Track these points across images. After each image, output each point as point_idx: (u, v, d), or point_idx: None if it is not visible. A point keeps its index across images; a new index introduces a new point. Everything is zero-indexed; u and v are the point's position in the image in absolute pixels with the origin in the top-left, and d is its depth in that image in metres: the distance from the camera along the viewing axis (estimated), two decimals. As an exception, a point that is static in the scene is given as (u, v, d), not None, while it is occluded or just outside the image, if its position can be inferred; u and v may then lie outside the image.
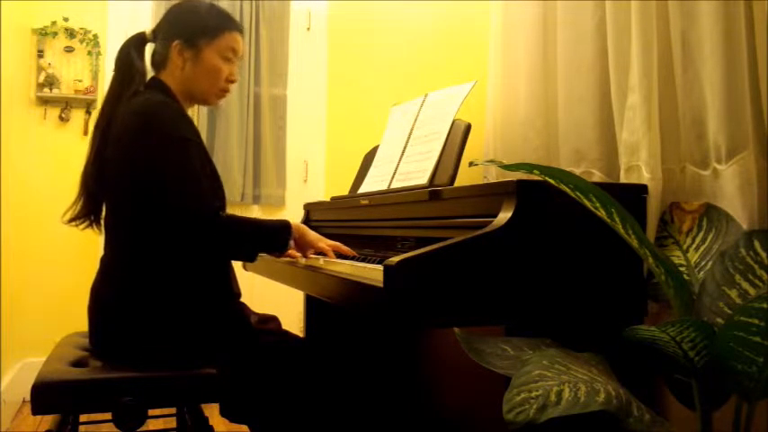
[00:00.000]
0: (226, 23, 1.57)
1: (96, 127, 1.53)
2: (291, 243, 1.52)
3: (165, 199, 1.35)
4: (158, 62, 1.57)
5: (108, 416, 1.33)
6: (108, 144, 1.48)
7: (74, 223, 1.55)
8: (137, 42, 1.58)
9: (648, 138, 1.51)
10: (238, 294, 1.59)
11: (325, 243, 1.60)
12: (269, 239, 1.49)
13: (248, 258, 1.54)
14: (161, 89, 1.52)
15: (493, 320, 1.21)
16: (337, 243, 1.63)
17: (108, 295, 1.45)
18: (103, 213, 1.55)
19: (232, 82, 1.59)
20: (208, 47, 1.53)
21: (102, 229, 1.54)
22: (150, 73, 1.58)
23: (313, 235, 1.58)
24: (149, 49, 1.60)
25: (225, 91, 1.60)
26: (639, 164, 1.53)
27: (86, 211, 1.54)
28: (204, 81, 1.55)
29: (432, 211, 1.51)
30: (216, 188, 1.53)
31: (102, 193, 1.52)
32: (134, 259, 1.44)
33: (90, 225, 1.56)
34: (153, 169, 1.38)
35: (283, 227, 1.50)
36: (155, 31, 1.58)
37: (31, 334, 2.66)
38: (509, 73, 2.29)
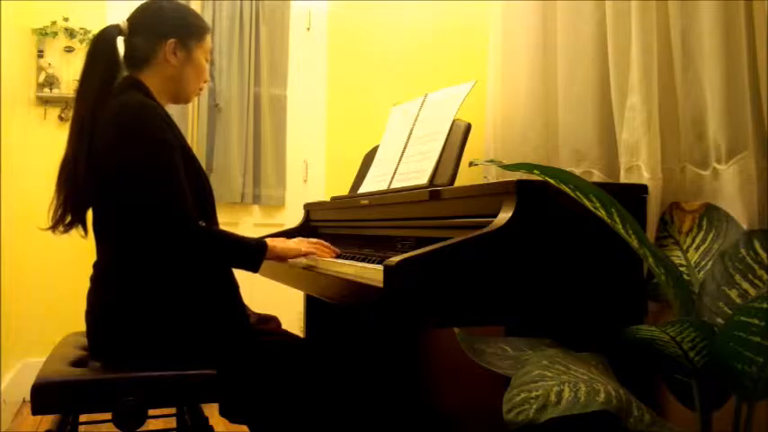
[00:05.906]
0: (206, 26, 1.61)
1: (77, 125, 1.43)
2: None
3: (147, 204, 1.35)
4: (140, 59, 1.50)
5: (108, 416, 1.33)
6: (92, 145, 1.41)
7: (57, 229, 1.45)
8: (115, 35, 1.50)
9: (648, 138, 1.51)
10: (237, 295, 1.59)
11: (305, 247, 1.62)
12: (242, 257, 1.48)
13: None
14: (141, 90, 1.48)
15: (493, 320, 1.21)
16: (319, 241, 1.69)
17: (104, 300, 1.44)
18: (90, 220, 1.49)
19: (206, 82, 1.67)
20: (197, 48, 1.56)
21: (93, 234, 1.51)
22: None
23: (292, 249, 1.59)
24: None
25: (201, 90, 1.65)
26: (639, 164, 1.53)
27: (63, 212, 1.45)
28: (193, 81, 1.58)
29: (432, 211, 1.51)
30: (199, 190, 1.49)
31: (83, 194, 1.45)
32: (127, 263, 1.42)
33: (71, 225, 1.46)
34: (139, 174, 1.36)
35: (259, 247, 1.49)
36: (133, 25, 1.51)
37: (31, 334, 2.66)
38: (509, 73, 2.29)
